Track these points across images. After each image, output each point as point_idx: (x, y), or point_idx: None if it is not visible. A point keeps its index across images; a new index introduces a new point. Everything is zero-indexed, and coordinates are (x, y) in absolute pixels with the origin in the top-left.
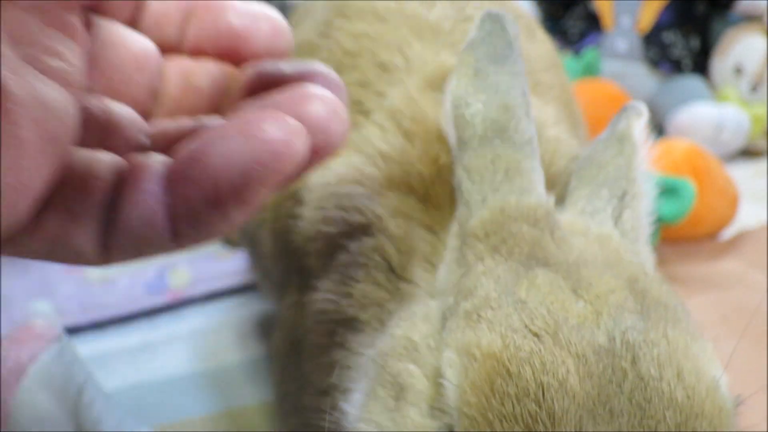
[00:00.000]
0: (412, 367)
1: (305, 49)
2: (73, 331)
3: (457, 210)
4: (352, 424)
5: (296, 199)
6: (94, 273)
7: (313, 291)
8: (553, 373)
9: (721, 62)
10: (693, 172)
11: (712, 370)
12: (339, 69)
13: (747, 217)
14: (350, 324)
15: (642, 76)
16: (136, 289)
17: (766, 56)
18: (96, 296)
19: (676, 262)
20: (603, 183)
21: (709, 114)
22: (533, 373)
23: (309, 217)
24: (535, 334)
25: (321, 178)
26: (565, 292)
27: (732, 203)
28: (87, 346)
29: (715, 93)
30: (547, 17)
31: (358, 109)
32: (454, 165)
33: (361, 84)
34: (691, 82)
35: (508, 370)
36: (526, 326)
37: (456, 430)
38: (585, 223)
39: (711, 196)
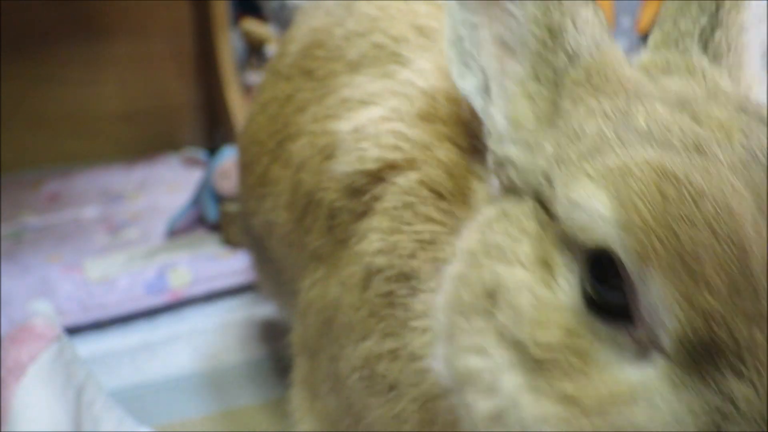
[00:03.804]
0: (501, 267)
1: (326, 28)
2: (73, 331)
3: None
4: (445, 368)
5: (325, 155)
6: (94, 273)
7: (347, 250)
8: (718, 178)
9: None
10: None
11: None
12: (371, 29)
13: None
14: (405, 278)
15: None
16: (136, 289)
17: None
18: (96, 296)
19: None
20: None
21: None
22: (699, 177)
23: (344, 161)
24: (679, 150)
25: (353, 124)
26: (686, 119)
27: None
28: (87, 346)
29: None
30: None
31: (395, 60)
32: (549, 13)
33: (396, 39)
34: None
35: (675, 176)
36: (665, 144)
37: (616, 246)
38: (664, 59)
39: None
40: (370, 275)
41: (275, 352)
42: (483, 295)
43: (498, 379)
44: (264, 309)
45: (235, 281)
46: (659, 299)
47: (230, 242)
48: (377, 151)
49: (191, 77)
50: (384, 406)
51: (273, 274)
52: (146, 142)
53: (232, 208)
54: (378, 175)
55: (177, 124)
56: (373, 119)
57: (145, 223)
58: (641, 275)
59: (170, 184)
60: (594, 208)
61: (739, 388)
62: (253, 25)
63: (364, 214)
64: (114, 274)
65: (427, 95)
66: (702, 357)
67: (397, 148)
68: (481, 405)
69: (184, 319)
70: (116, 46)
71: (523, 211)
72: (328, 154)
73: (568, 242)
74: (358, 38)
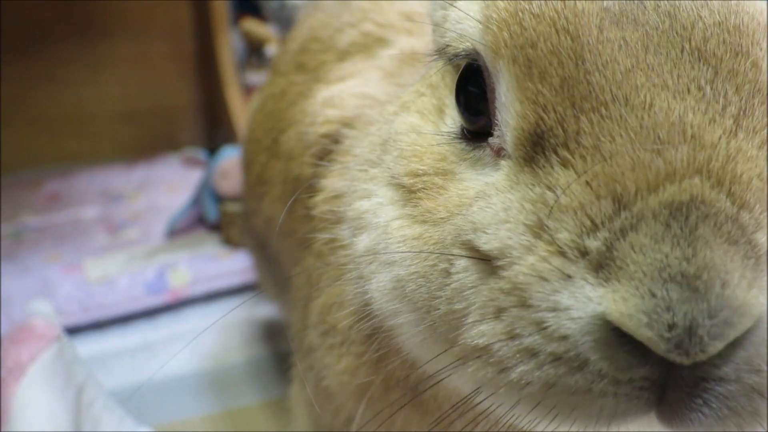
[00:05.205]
0: (400, 117)
1: (324, 23)
2: (73, 331)
3: None
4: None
5: (303, 136)
6: (94, 273)
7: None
8: None
9: None
10: None
11: None
12: (362, 19)
13: None
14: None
15: None
16: (136, 289)
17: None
18: (96, 296)
19: None
20: None
21: None
22: None
23: (310, 130)
24: None
25: (324, 95)
26: None
27: None
28: (87, 346)
29: None
30: None
31: (380, 44)
32: None
33: (384, 26)
34: None
35: None
36: None
37: (479, 47)
38: None
39: None
40: (317, 225)
41: (275, 352)
42: (379, 145)
43: (377, 215)
44: (264, 309)
45: (235, 281)
46: (506, 95)
47: (230, 242)
48: (336, 111)
49: (191, 77)
50: (339, 362)
51: (274, 275)
52: (146, 142)
53: (232, 208)
54: (335, 137)
55: (177, 124)
56: (344, 89)
57: (145, 223)
58: (495, 73)
59: (170, 184)
60: (467, 14)
61: (563, 176)
62: (253, 25)
63: (323, 175)
64: (114, 274)
65: (395, 59)
66: (535, 150)
67: (354, 106)
68: (360, 241)
69: (184, 319)
70: (116, 46)
71: (435, 68)
72: (303, 132)
73: (451, 65)
74: (349, 28)
